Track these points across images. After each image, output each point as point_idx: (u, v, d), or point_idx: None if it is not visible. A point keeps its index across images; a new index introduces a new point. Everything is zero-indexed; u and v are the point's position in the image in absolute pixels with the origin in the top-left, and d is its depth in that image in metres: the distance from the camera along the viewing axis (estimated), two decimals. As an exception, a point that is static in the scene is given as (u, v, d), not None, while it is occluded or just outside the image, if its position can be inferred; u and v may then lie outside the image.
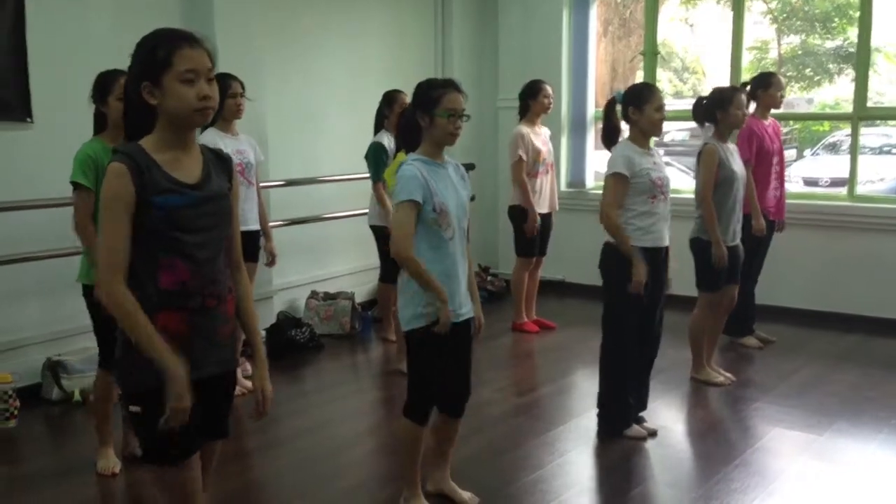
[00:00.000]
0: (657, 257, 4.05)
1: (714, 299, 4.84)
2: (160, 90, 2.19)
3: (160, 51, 2.19)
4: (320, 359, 5.52)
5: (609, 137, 4.14)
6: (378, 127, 5.55)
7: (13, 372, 4.43)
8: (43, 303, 4.74)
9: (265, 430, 4.19)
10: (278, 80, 5.92)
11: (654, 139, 4.75)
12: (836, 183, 12.15)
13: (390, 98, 5.52)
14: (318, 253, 6.44)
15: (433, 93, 3.14)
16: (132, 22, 5.05)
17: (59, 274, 4.71)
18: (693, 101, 4.95)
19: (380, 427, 4.58)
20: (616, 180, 3.97)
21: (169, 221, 2.20)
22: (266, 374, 2.44)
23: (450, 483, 3.51)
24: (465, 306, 3.24)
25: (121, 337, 2.26)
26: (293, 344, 5.64)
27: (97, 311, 3.56)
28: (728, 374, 4.97)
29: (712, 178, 4.64)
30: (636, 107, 3.98)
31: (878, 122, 10.78)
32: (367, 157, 5.45)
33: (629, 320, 4.03)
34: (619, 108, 4.09)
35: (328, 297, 6.24)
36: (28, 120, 4.63)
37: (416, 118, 3.17)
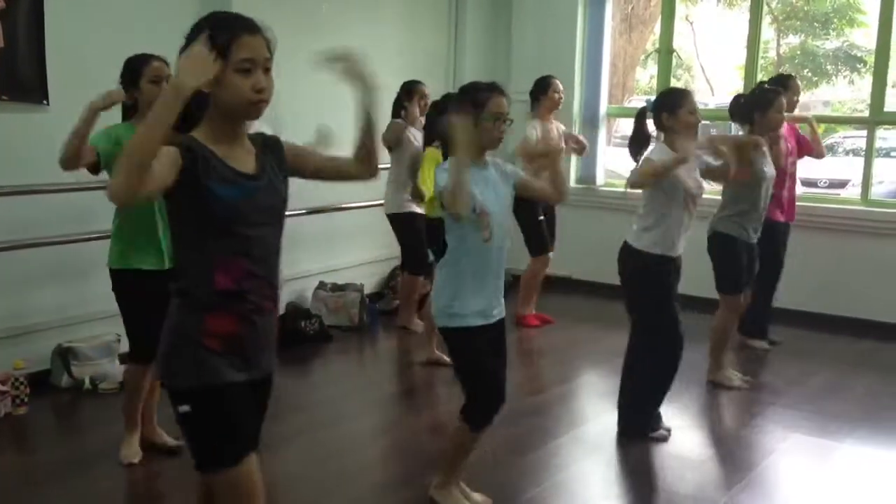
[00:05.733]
0: (671, 265, 3.98)
1: (737, 301, 4.80)
2: (214, 79, 2.08)
3: (218, 37, 2.07)
4: (329, 351, 5.44)
5: (638, 147, 4.02)
6: (395, 117, 5.49)
7: (23, 358, 4.33)
8: (54, 288, 4.64)
9: (279, 422, 4.09)
10: (292, 68, 5.81)
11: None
12: (834, 185, 12.19)
13: (409, 89, 5.45)
14: (326, 243, 6.35)
15: (479, 96, 3.09)
16: (150, 3, 4.97)
17: (72, 259, 4.63)
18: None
19: (396, 423, 4.53)
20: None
21: (228, 213, 2.09)
22: None
23: (460, 485, 3.37)
24: (497, 308, 3.20)
25: (165, 332, 2.17)
26: (302, 335, 5.56)
27: (126, 300, 3.51)
28: (745, 377, 4.93)
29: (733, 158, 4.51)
30: (670, 112, 3.91)
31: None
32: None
33: (657, 318, 3.95)
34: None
35: (336, 288, 6.15)
36: (44, 102, 4.52)
37: None
